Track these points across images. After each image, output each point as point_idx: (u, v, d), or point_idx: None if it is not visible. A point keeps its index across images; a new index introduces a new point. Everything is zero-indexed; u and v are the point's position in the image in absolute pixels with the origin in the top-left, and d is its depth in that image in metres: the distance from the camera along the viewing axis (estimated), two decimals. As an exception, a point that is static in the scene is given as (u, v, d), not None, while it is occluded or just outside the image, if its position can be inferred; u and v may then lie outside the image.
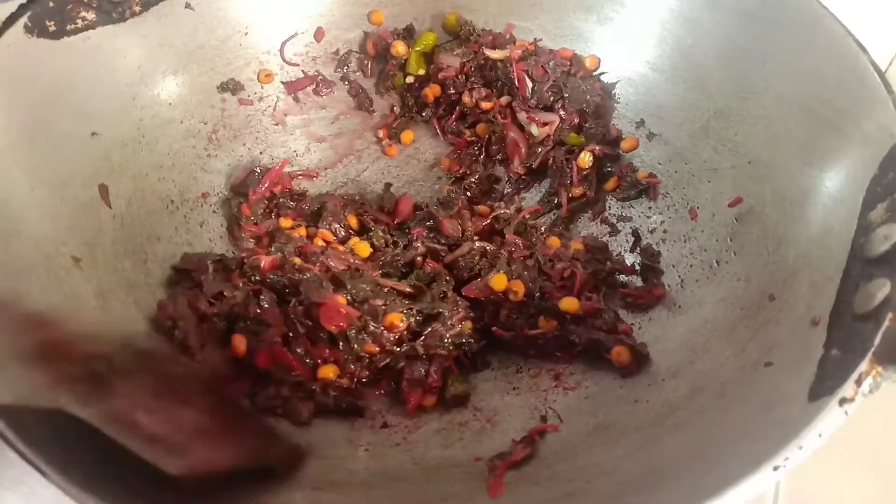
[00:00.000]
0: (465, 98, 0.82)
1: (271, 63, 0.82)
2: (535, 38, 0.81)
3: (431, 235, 0.74)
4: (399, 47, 0.83)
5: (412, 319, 0.66)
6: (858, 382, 0.45)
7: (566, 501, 0.53)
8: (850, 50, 0.61)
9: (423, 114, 0.86)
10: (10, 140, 0.60)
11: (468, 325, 0.67)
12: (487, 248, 0.72)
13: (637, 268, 0.75)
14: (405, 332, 0.65)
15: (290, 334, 0.64)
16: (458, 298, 0.68)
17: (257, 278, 0.67)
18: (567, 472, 0.57)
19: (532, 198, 0.82)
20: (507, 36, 0.82)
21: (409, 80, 0.84)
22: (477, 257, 0.71)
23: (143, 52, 0.72)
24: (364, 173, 0.84)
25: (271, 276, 0.67)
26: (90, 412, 0.46)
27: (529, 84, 0.79)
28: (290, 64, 0.83)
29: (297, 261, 0.68)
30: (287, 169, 0.81)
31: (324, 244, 0.73)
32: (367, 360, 0.65)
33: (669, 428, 0.57)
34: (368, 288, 0.66)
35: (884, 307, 0.48)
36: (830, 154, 0.61)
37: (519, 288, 0.68)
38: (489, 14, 0.84)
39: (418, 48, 0.83)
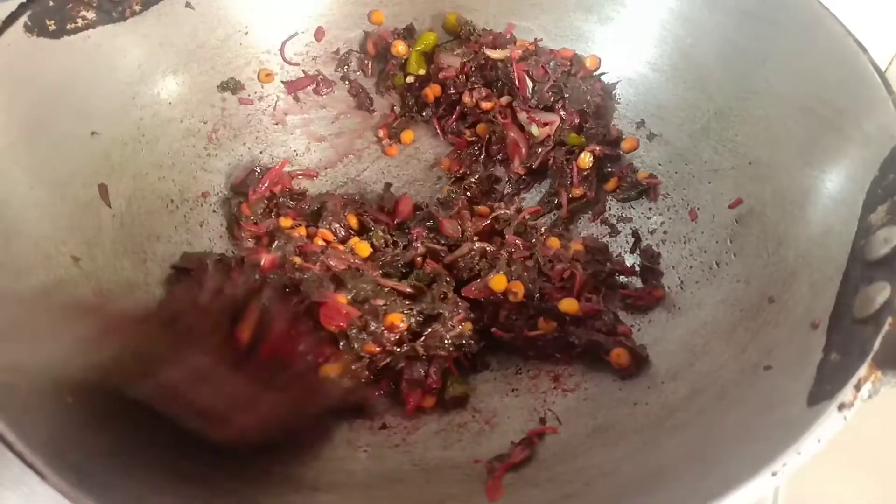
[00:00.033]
0: (466, 98, 0.82)
1: (271, 62, 0.82)
2: (535, 38, 0.81)
3: (431, 236, 0.74)
4: (399, 47, 0.83)
5: (412, 320, 0.66)
6: (857, 387, 0.45)
7: (565, 503, 0.53)
8: (850, 50, 0.61)
9: (424, 113, 0.86)
10: (10, 139, 0.60)
11: (468, 326, 0.67)
12: (487, 248, 0.72)
13: (637, 269, 0.74)
14: (405, 333, 0.65)
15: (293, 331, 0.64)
16: (458, 299, 0.68)
17: (257, 277, 0.67)
18: (566, 474, 0.57)
19: (532, 198, 0.82)
20: (508, 36, 0.82)
21: (410, 79, 0.84)
22: (477, 258, 0.71)
23: (143, 51, 0.71)
24: (364, 173, 0.84)
25: (272, 275, 0.67)
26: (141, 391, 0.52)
27: (530, 84, 0.79)
28: (290, 63, 0.83)
29: (298, 260, 0.68)
30: (287, 168, 0.81)
31: (324, 244, 0.73)
32: (368, 360, 0.65)
33: (669, 430, 0.57)
34: (369, 288, 0.66)
35: (883, 311, 0.48)
36: (831, 155, 0.61)
37: (518, 289, 0.68)
38: (489, 14, 0.83)
39: (419, 48, 0.83)
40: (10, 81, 0.62)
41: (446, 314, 0.66)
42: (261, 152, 0.81)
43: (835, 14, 0.63)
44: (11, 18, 0.62)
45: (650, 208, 0.77)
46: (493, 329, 0.68)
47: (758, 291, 0.63)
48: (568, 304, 0.67)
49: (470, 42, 0.82)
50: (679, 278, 0.72)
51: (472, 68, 0.81)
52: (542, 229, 0.77)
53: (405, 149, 0.86)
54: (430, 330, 0.65)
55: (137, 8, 0.70)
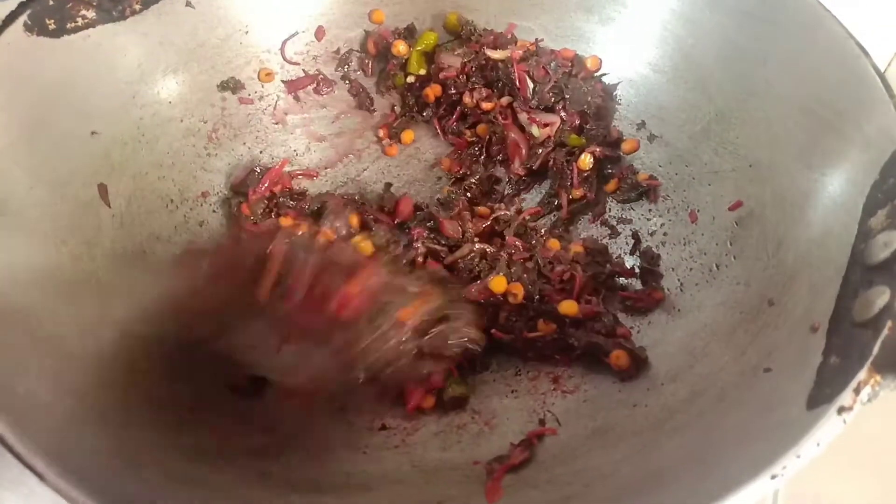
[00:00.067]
0: (466, 98, 0.81)
1: (272, 62, 0.81)
2: (536, 39, 0.81)
3: (432, 236, 0.74)
4: (400, 47, 0.82)
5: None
6: (857, 391, 0.45)
7: (564, 505, 0.53)
8: (850, 52, 0.61)
9: (424, 114, 0.86)
10: (10, 139, 0.60)
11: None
12: (487, 249, 0.72)
13: (637, 271, 0.74)
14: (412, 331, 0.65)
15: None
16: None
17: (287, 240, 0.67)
18: (565, 476, 0.57)
19: (532, 199, 0.82)
20: (509, 36, 0.82)
21: (410, 79, 0.84)
22: (477, 259, 0.71)
23: (143, 50, 0.71)
24: (364, 173, 0.84)
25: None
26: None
27: (530, 85, 0.78)
28: (290, 63, 0.82)
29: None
30: (287, 168, 0.81)
31: (327, 241, 0.73)
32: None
33: (668, 432, 0.57)
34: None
35: (883, 315, 0.48)
36: (831, 157, 0.61)
37: (518, 290, 0.68)
38: (490, 14, 0.83)
39: (419, 48, 0.83)
40: (10, 81, 0.62)
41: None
42: (261, 152, 0.81)
43: (835, 15, 0.63)
44: (11, 18, 0.62)
45: (650, 210, 0.77)
46: (493, 330, 0.68)
47: (757, 294, 0.63)
48: (568, 306, 0.67)
49: (471, 42, 0.82)
50: (679, 280, 0.72)
51: (473, 68, 0.81)
52: (542, 230, 0.77)
53: (405, 149, 0.85)
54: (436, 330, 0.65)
55: (137, 7, 0.70)
